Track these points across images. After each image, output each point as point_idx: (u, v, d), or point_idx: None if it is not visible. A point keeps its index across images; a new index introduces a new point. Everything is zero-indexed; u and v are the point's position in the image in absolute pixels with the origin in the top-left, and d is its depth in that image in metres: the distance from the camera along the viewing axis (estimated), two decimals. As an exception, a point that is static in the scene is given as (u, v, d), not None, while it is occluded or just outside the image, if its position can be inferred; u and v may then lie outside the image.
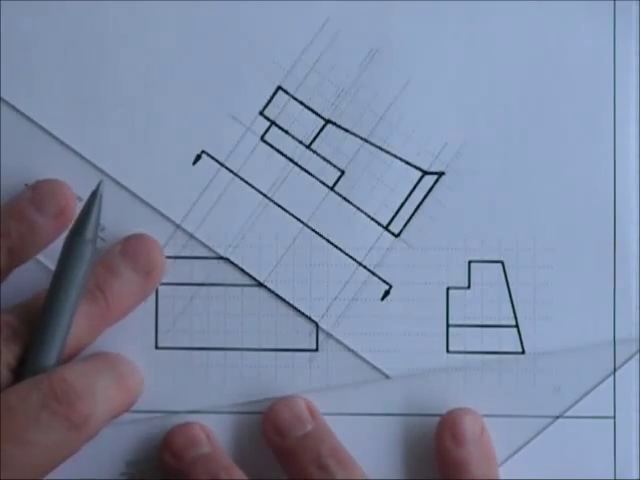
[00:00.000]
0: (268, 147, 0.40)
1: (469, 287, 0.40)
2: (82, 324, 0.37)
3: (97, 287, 0.37)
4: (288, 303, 0.39)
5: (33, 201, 0.38)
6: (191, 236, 0.39)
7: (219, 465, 0.38)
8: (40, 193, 0.38)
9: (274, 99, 0.40)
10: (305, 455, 0.37)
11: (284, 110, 0.39)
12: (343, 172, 0.40)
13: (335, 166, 0.40)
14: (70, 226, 0.36)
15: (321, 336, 0.39)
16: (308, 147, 0.40)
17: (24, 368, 0.35)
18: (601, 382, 0.39)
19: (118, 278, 0.38)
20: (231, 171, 0.39)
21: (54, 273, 0.36)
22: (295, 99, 0.39)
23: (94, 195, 0.36)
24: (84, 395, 0.35)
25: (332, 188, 0.40)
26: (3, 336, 0.35)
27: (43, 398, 0.34)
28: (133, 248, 0.38)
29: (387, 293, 0.39)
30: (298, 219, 0.40)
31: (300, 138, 0.40)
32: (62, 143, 0.39)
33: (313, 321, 0.40)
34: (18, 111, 0.39)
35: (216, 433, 0.39)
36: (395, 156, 0.40)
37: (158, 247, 0.39)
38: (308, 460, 0.37)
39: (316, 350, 0.40)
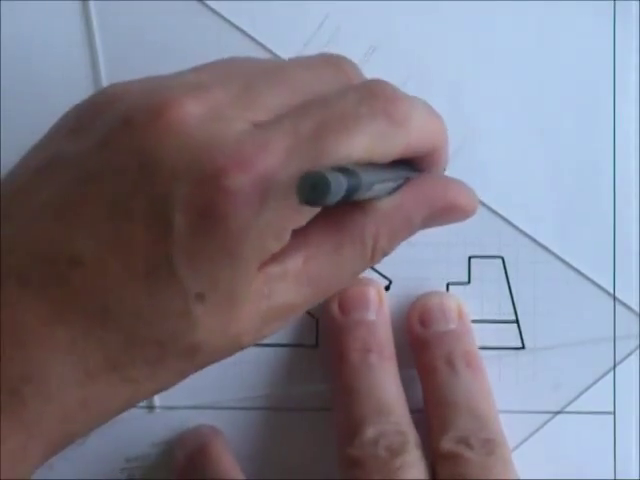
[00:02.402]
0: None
1: (469, 282, 0.40)
2: None
3: None
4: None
5: None
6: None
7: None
8: None
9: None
10: (438, 349, 0.38)
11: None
12: (343, 169, 0.40)
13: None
14: None
15: (321, 332, 0.39)
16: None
17: None
18: (601, 378, 0.39)
19: None
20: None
21: None
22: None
23: None
24: (402, 97, 0.32)
25: (332, 184, 0.40)
26: None
27: (360, 95, 0.31)
28: None
29: (387, 288, 0.39)
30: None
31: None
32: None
33: (313, 317, 0.40)
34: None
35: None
36: (395, 152, 0.40)
37: None
38: (439, 354, 0.37)
39: (316, 346, 0.40)
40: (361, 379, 0.37)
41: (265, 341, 0.39)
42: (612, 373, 0.39)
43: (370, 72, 0.39)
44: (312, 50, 0.39)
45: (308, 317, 0.39)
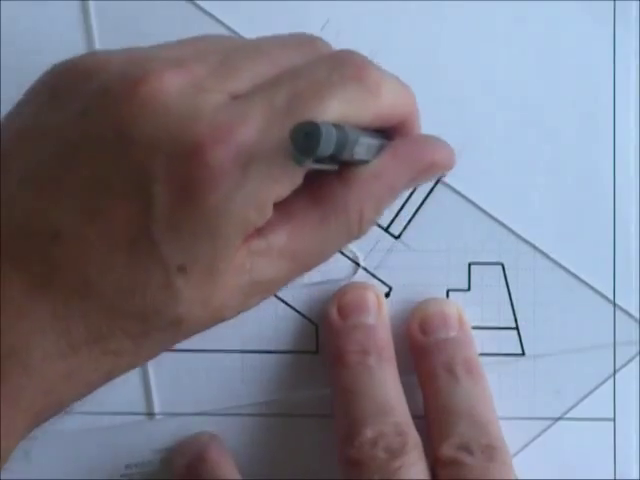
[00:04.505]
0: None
1: (469, 289, 0.40)
2: None
3: None
4: (288, 305, 0.39)
5: None
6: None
7: None
8: None
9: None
10: (439, 356, 0.38)
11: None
12: (343, 174, 0.40)
13: (335, 168, 0.40)
14: None
15: (321, 338, 0.39)
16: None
17: None
18: (601, 384, 0.39)
19: None
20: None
21: None
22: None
23: None
24: (372, 65, 0.33)
25: (332, 190, 0.40)
26: None
27: (331, 64, 0.32)
28: None
29: (387, 295, 0.39)
30: (298, 221, 0.39)
31: (300, 140, 0.39)
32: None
33: (313, 323, 0.40)
34: None
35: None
36: (395, 158, 0.40)
37: None
38: (440, 362, 0.37)
39: (316, 352, 0.40)
40: (360, 381, 0.37)
41: (265, 348, 0.39)
42: (612, 379, 0.39)
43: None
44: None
45: (308, 324, 0.39)
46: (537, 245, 0.39)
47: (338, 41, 0.39)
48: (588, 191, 0.39)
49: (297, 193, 0.31)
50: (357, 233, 0.34)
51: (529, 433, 0.39)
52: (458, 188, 0.39)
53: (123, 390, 0.39)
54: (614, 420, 0.39)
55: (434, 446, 0.36)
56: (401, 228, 0.40)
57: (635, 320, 0.39)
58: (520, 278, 0.39)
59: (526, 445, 0.39)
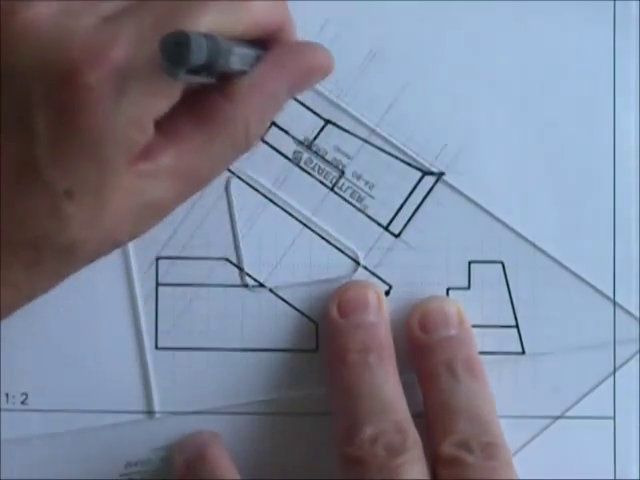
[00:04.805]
0: (268, 147, 0.40)
1: (469, 287, 0.40)
2: None
3: None
4: (288, 303, 0.39)
5: None
6: (191, 236, 0.39)
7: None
8: None
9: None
10: (439, 355, 0.38)
11: (284, 110, 0.39)
12: (343, 172, 0.40)
13: (335, 166, 0.40)
14: None
15: (321, 336, 0.39)
16: (308, 147, 0.40)
17: None
18: (601, 382, 0.39)
19: None
20: (231, 172, 0.39)
21: None
22: (295, 99, 0.39)
23: None
24: None
25: (332, 189, 0.40)
26: None
27: None
28: None
29: (387, 293, 0.39)
30: (298, 219, 0.40)
31: (300, 138, 0.40)
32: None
33: (313, 321, 0.40)
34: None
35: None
36: (395, 157, 0.40)
37: None
38: (440, 360, 0.37)
39: (316, 350, 0.40)
40: (360, 380, 0.37)
41: (265, 346, 0.39)
42: (612, 378, 0.39)
43: (370, 77, 0.39)
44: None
45: (308, 322, 0.39)
46: (537, 243, 0.39)
47: (338, 41, 0.39)
48: (588, 189, 0.39)
49: (181, 112, 0.32)
50: (245, 146, 0.35)
51: (529, 431, 0.39)
52: (458, 187, 0.39)
53: (123, 388, 0.39)
54: (614, 418, 0.39)
55: (434, 444, 0.36)
56: (401, 227, 0.40)
57: (635, 318, 0.39)
58: (520, 276, 0.39)
59: (526, 443, 0.39)
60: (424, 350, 0.38)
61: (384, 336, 0.38)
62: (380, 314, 0.38)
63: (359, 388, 0.37)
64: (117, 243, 0.33)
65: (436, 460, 0.36)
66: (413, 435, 0.36)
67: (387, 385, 0.37)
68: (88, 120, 0.30)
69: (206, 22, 0.31)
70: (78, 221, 0.31)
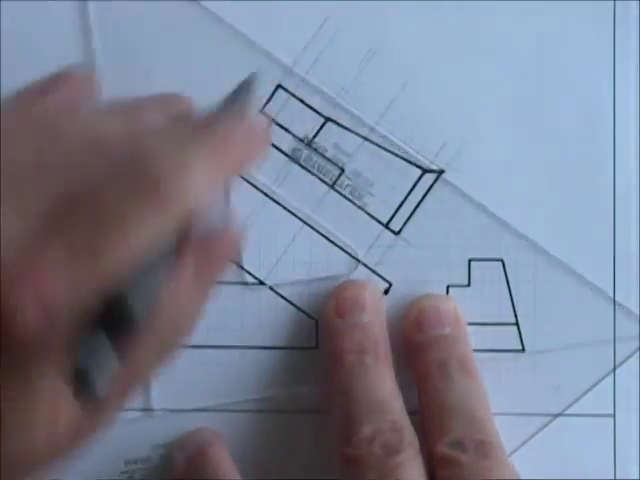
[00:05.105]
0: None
1: (469, 285, 0.40)
2: None
3: None
4: (288, 301, 0.39)
5: None
6: (191, 234, 0.39)
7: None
8: None
9: (274, 97, 0.40)
10: (433, 353, 0.38)
11: (284, 108, 0.39)
12: (343, 170, 0.40)
13: (335, 164, 0.40)
14: None
15: (321, 333, 0.39)
16: (308, 145, 0.40)
17: None
18: (601, 380, 0.39)
19: None
20: (231, 169, 0.39)
21: None
22: (295, 97, 0.39)
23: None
24: (169, 171, 0.27)
25: (332, 186, 0.40)
26: None
27: (124, 185, 0.26)
28: None
29: (387, 291, 0.39)
30: (298, 217, 0.40)
31: (300, 136, 0.40)
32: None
33: (313, 318, 0.40)
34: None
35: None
36: (395, 154, 0.40)
37: None
38: (434, 358, 0.37)
39: (316, 347, 0.40)
40: (357, 380, 0.37)
41: (265, 343, 0.39)
42: (612, 376, 0.39)
43: (369, 75, 0.39)
44: (312, 53, 0.39)
45: (308, 319, 0.39)
46: (537, 241, 0.39)
47: (337, 39, 0.39)
48: (588, 187, 0.39)
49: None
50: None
51: (529, 429, 0.39)
52: (458, 184, 0.39)
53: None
54: (614, 416, 0.39)
55: (430, 443, 0.36)
56: (401, 224, 0.40)
57: (635, 316, 0.39)
58: (520, 274, 0.39)
59: (526, 441, 0.39)
60: (419, 348, 0.38)
61: (380, 335, 0.38)
62: (377, 313, 0.38)
63: (356, 388, 0.37)
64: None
65: (432, 459, 0.36)
66: (409, 434, 0.36)
67: (383, 385, 0.37)
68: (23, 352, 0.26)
69: (138, 245, 0.26)
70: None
